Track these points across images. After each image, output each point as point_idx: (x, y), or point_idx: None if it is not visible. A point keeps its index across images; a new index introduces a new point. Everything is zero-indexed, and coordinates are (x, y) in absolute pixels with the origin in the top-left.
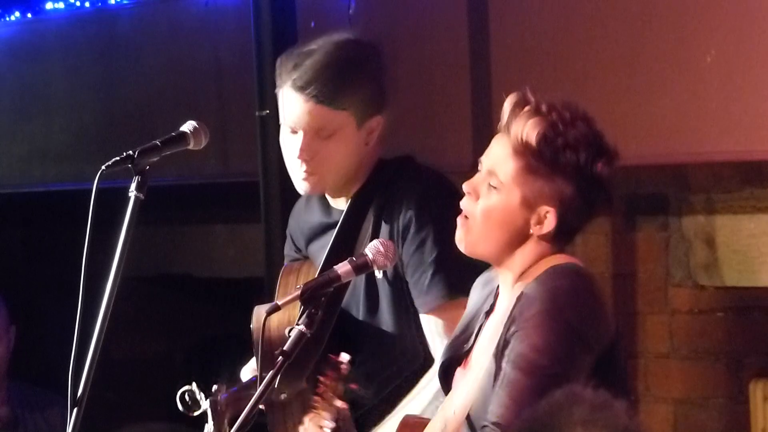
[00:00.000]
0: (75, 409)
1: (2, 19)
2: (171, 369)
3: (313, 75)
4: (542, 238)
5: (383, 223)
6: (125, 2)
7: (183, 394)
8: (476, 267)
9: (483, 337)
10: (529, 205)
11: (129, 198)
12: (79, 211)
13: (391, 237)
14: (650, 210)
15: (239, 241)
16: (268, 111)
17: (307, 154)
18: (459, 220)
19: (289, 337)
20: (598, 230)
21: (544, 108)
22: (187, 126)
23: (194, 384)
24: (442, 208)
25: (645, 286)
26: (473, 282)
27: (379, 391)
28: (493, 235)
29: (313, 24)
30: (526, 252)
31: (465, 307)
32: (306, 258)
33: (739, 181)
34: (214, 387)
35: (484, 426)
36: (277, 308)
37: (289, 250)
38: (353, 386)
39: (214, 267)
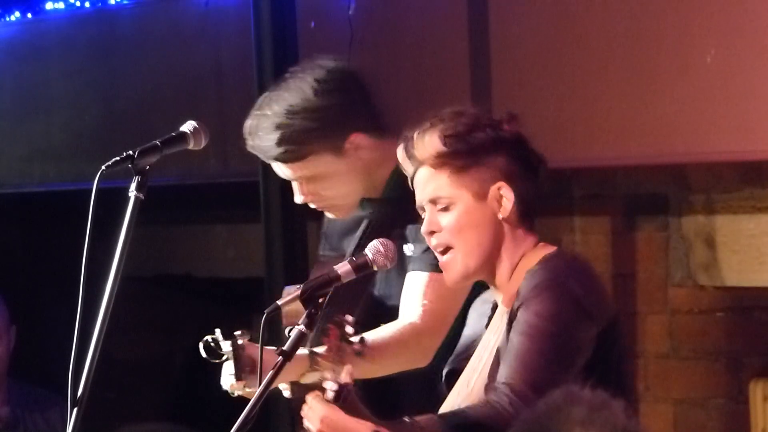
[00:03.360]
0: (75, 409)
1: (2, 19)
2: (171, 369)
3: (264, 146)
4: (513, 220)
5: (411, 209)
6: (125, 2)
7: (207, 341)
8: None
9: (487, 332)
10: (482, 194)
11: (129, 198)
12: (79, 211)
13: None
14: (650, 210)
15: (239, 241)
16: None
17: (306, 198)
18: (439, 258)
19: (289, 337)
20: (598, 230)
21: (427, 123)
22: (187, 126)
23: (218, 331)
24: None
25: (645, 286)
26: None
27: None
28: (474, 242)
29: (312, 24)
30: (509, 247)
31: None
32: (342, 256)
33: (739, 181)
34: (237, 333)
35: (496, 387)
36: (277, 308)
37: (322, 251)
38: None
39: (214, 267)
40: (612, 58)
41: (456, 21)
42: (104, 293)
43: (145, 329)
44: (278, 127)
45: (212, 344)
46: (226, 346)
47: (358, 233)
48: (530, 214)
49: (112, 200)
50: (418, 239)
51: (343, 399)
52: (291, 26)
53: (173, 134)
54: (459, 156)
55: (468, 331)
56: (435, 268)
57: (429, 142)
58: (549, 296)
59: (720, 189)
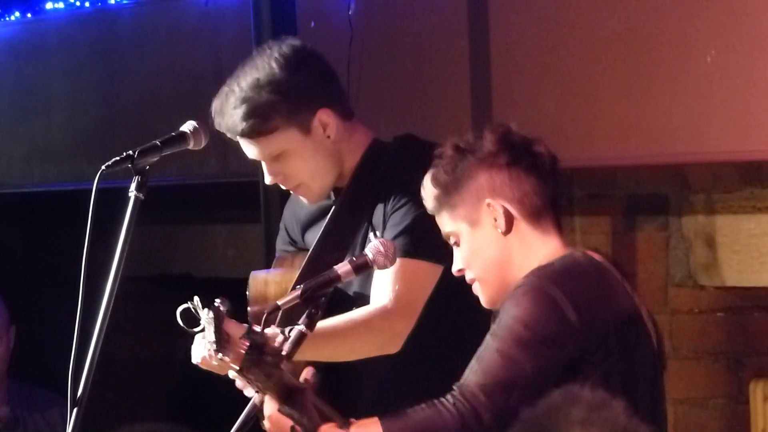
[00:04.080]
0: (75, 409)
1: (2, 19)
2: (171, 369)
3: (230, 122)
4: (518, 229)
5: (379, 197)
6: (125, 2)
7: (185, 309)
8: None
9: None
10: (475, 219)
11: (129, 198)
12: (79, 211)
13: (384, 211)
14: (650, 210)
15: (239, 241)
16: None
17: (275, 177)
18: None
19: (289, 337)
20: (598, 230)
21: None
22: (187, 126)
23: (197, 298)
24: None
25: (645, 286)
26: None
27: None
28: (482, 267)
29: (313, 24)
30: (523, 257)
31: (423, 270)
32: (300, 250)
33: (739, 181)
34: (217, 300)
35: (452, 388)
36: (277, 308)
37: (281, 245)
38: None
39: (214, 267)
40: (612, 58)
41: (456, 21)
42: (104, 293)
43: (145, 329)
44: (244, 101)
45: (192, 312)
46: (205, 314)
47: (324, 223)
48: (539, 217)
49: (112, 200)
50: (386, 226)
51: (286, 396)
52: (291, 26)
53: (173, 134)
54: (447, 192)
55: None
56: (404, 254)
57: (427, 189)
58: (523, 298)
59: (720, 189)
